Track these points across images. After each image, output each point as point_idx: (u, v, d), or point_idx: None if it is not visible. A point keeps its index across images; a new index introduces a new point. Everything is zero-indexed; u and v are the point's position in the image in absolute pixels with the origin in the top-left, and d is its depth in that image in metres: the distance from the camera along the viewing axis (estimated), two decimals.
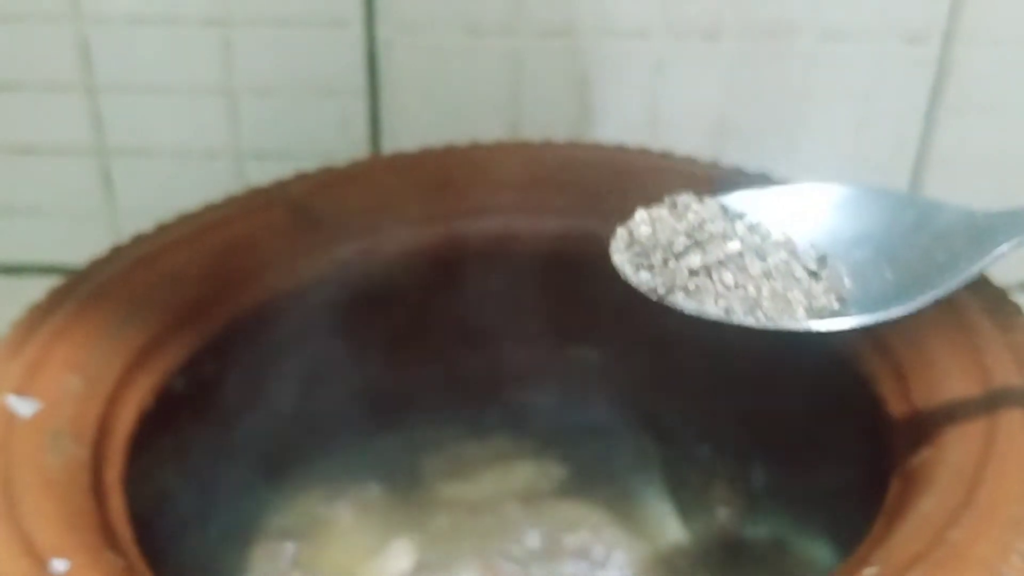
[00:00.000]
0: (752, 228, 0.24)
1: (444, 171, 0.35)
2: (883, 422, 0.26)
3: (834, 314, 0.23)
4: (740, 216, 0.24)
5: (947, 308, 0.26)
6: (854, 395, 0.28)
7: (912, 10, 0.41)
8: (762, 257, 0.23)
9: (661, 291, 0.23)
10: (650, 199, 0.34)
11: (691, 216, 0.24)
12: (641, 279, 0.24)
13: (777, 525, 0.36)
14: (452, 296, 0.35)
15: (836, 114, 0.43)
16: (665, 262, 0.23)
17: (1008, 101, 0.42)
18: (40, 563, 0.22)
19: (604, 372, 0.38)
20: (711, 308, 0.23)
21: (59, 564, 0.22)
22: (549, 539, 0.35)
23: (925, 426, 0.25)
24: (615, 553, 0.34)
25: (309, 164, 0.37)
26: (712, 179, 0.33)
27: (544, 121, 0.43)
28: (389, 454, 0.37)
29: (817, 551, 0.35)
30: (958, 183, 0.44)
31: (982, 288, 0.27)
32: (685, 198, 0.25)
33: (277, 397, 0.35)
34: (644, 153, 0.35)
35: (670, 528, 0.36)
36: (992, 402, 0.25)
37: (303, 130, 0.43)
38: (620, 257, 0.24)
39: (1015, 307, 0.28)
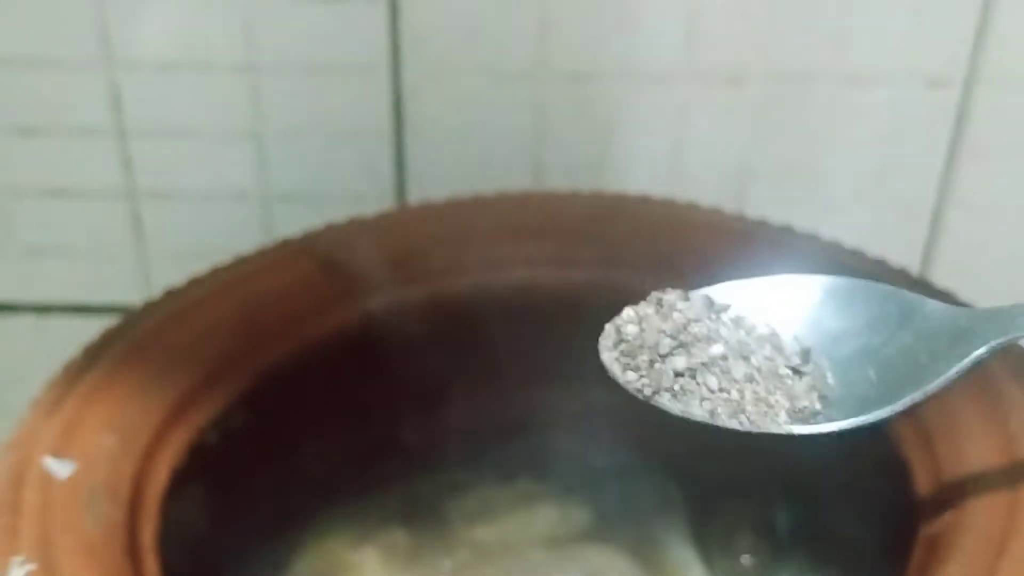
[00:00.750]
0: (737, 321, 0.25)
1: (470, 222, 0.35)
2: (908, 484, 0.27)
3: (816, 415, 0.24)
4: (725, 309, 0.25)
5: (975, 372, 0.26)
6: (880, 455, 0.28)
7: (933, 55, 0.41)
8: (746, 357, 0.24)
9: (647, 392, 0.24)
10: (675, 251, 0.34)
11: (676, 316, 0.25)
12: (628, 379, 0.25)
13: (804, 573, 0.36)
14: (478, 344, 0.36)
15: (858, 159, 0.44)
16: (651, 363, 0.24)
17: None
18: None
19: (628, 418, 0.38)
20: (696, 410, 0.24)
21: None
22: None
23: (950, 491, 0.25)
24: None
25: (335, 207, 0.38)
26: (736, 232, 0.34)
27: (567, 166, 0.44)
28: (414, 498, 0.38)
29: None
30: (979, 226, 0.44)
31: (1010, 352, 0.28)
32: (671, 296, 0.25)
33: (305, 445, 0.35)
34: (670, 204, 0.35)
35: (693, 574, 0.36)
36: (1018, 470, 0.25)
37: (330, 174, 0.44)
38: (608, 356, 0.25)
39: None
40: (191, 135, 0.43)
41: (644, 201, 0.35)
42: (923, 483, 0.26)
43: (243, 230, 0.44)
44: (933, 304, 0.25)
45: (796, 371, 0.24)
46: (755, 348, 0.24)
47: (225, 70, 0.42)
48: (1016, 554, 0.23)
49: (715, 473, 0.38)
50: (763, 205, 0.40)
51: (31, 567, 0.23)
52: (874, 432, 0.29)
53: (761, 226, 0.34)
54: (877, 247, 0.34)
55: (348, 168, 0.44)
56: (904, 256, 0.34)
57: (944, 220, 0.44)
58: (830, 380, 0.24)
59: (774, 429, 0.24)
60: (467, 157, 0.44)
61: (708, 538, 0.37)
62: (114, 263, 0.45)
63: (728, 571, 0.36)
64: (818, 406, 0.24)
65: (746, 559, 0.37)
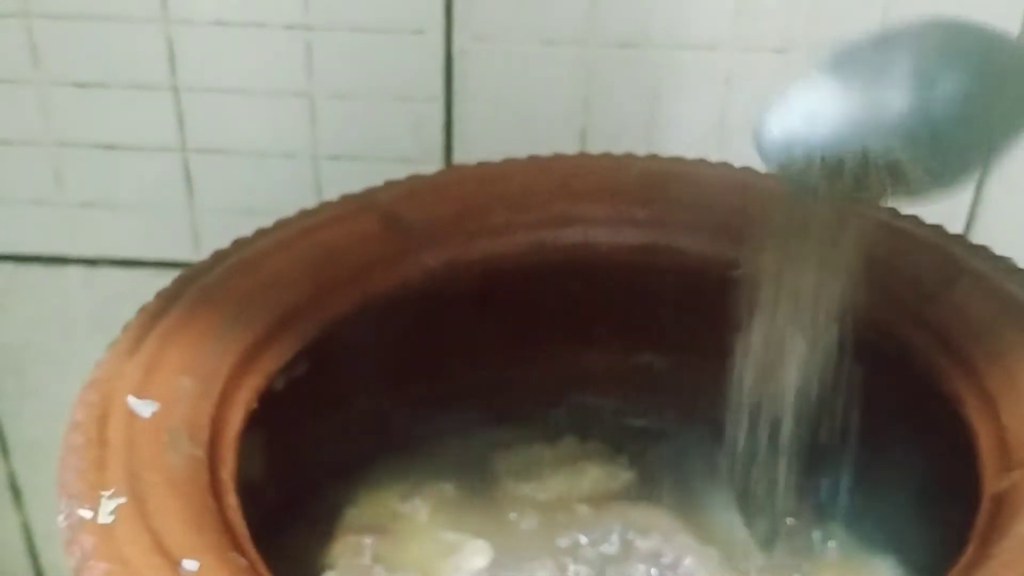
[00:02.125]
0: None
1: (527, 181, 0.36)
2: (968, 444, 0.27)
3: None
4: None
5: None
6: (936, 415, 0.29)
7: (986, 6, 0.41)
8: None
9: None
10: (731, 214, 0.35)
11: None
12: None
13: (845, 538, 0.37)
14: (532, 303, 0.37)
15: None
16: None
17: None
18: (172, 563, 0.23)
19: (673, 379, 0.39)
20: None
21: (190, 564, 0.23)
22: (620, 542, 0.36)
23: (1015, 449, 0.26)
24: (685, 559, 0.35)
25: (383, 168, 0.38)
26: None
27: (613, 131, 0.44)
28: (463, 454, 0.39)
29: (884, 566, 0.35)
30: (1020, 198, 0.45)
31: None
32: None
33: (362, 398, 0.36)
34: (726, 167, 0.36)
35: (738, 536, 0.37)
36: None
37: (379, 134, 0.44)
38: None
39: None
40: (244, 93, 0.43)
41: (700, 164, 0.36)
42: (985, 442, 0.27)
43: (291, 189, 0.45)
44: None
45: None
46: None
47: (279, 28, 0.42)
48: None
49: (759, 435, 0.39)
50: None
51: (120, 500, 0.24)
52: (929, 390, 0.30)
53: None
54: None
55: (397, 129, 0.44)
56: (947, 223, 0.34)
57: (986, 192, 0.45)
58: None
59: None
60: (514, 120, 0.44)
61: (750, 500, 0.38)
62: (164, 218, 0.46)
63: (771, 533, 0.37)
64: None
65: (789, 522, 0.37)
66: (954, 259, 0.32)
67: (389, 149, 0.45)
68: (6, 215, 0.46)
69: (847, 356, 0.33)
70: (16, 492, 0.53)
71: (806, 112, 0.26)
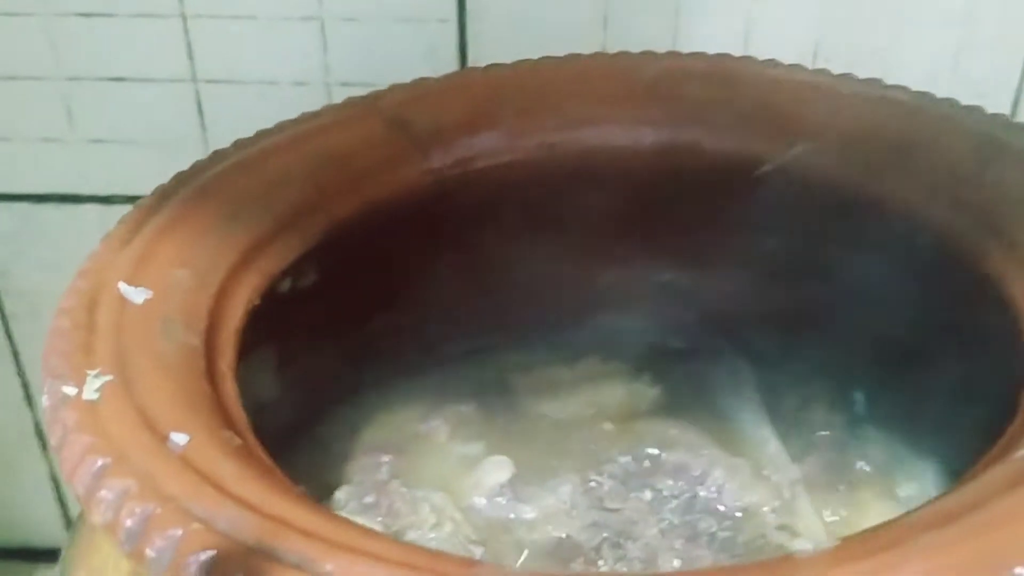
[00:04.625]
0: None
1: (540, 83, 0.34)
2: (1015, 331, 0.25)
3: None
4: None
5: None
6: (979, 304, 0.27)
7: None
8: None
9: None
10: (755, 109, 0.33)
11: None
12: None
13: (882, 449, 0.35)
14: (545, 212, 0.35)
15: (933, 40, 0.42)
16: None
17: None
18: (160, 436, 0.22)
19: (697, 292, 0.38)
20: None
21: (178, 438, 0.22)
22: (646, 456, 0.34)
23: None
24: (714, 471, 0.34)
25: None
26: (818, 87, 0.33)
27: (634, 48, 0.43)
28: (481, 374, 0.37)
29: (923, 478, 0.34)
30: None
31: None
32: None
33: (371, 311, 0.35)
34: (749, 61, 0.34)
35: (768, 450, 0.35)
36: None
37: (391, 58, 0.43)
38: None
39: None
40: (251, 18, 0.43)
41: (722, 58, 0.34)
42: None
43: None
44: None
45: None
46: None
47: None
48: None
49: (787, 350, 0.37)
50: None
51: (107, 379, 0.23)
52: (978, 279, 0.28)
53: (845, 80, 0.33)
54: None
55: (410, 54, 0.43)
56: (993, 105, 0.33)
57: None
58: None
59: None
60: (530, 41, 0.43)
61: (781, 415, 0.36)
62: (176, 152, 0.45)
63: (805, 447, 0.35)
64: None
65: (822, 434, 0.36)
66: (992, 139, 0.30)
67: (403, 74, 0.43)
68: (19, 154, 0.45)
69: (884, 252, 0.32)
70: (43, 439, 0.53)
71: None
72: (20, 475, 0.54)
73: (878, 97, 0.32)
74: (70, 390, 0.23)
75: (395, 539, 0.21)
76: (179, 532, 0.20)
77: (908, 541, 0.19)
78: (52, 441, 0.22)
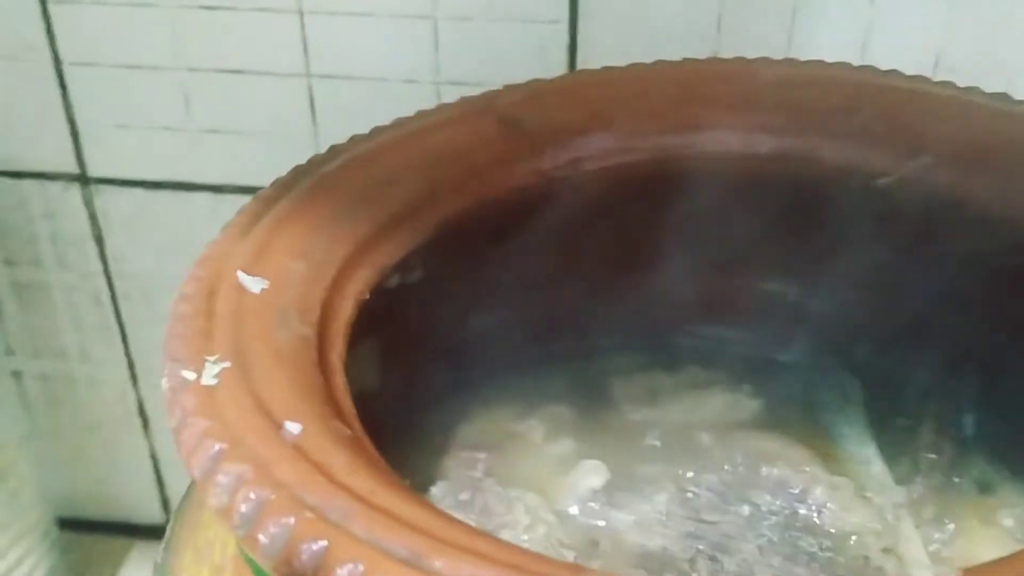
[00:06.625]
0: None
1: (653, 86, 0.34)
2: None
3: None
4: None
5: None
6: None
7: None
8: None
9: None
10: (874, 120, 0.33)
11: None
12: None
13: (988, 474, 0.34)
14: (655, 216, 0.35)
15: None
16: None
17: None
18: (274, 424, 0.22)
19: (806, 303, 0.37)
20: None
21: (292, 427, 0.22)
22: (745, 469, 0.34)
23: None
24: (815, 489, 0.33)
25: None
26: (942, 99, 0.32)
27: (748, 52, 0.42)
28: (580, 376, 0.37)
29: None
30: None
31: None
32: None
33: (477, 309, 0.35)
34: (870, 70, 0.33)
35: (872, 469, 0.35)
36: None
37: (502, 58, 0.44)
38: None
39: None
40: (367, 16, 0.43)
41: (842, 67, 0.34)
42: None
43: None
44: None
45: None
46: None
47: None
48: None
49: (897, 368, 0.36)
50: None
51: (225, 365, 0.24)
52: None
53: (972, 93, 0.32)
54: None
55: (521, 54, 0.43)
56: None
57: None
58: None
59: None
60: (642, 44, 0.43)
61: (886, 435, 0.36)
62: (287, 145, 0.46)
63: (908, 468, 0.35)
64: None
65: (928, 458, 0.35)
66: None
67: (512, 73, 0.43)
68: (137, 141, 0.46)
69: (1006, 273, 0.31)
70: (145, 420, 0.54)
71: None
72: (122, 452, 0.56)
73: (1007, 112, 0.31)
74: (189, 375, 0.23)
75: (501, 540, 0.21)
76: (292, 520, 0.20)
77: None
78: (171, 423, 0.23)
